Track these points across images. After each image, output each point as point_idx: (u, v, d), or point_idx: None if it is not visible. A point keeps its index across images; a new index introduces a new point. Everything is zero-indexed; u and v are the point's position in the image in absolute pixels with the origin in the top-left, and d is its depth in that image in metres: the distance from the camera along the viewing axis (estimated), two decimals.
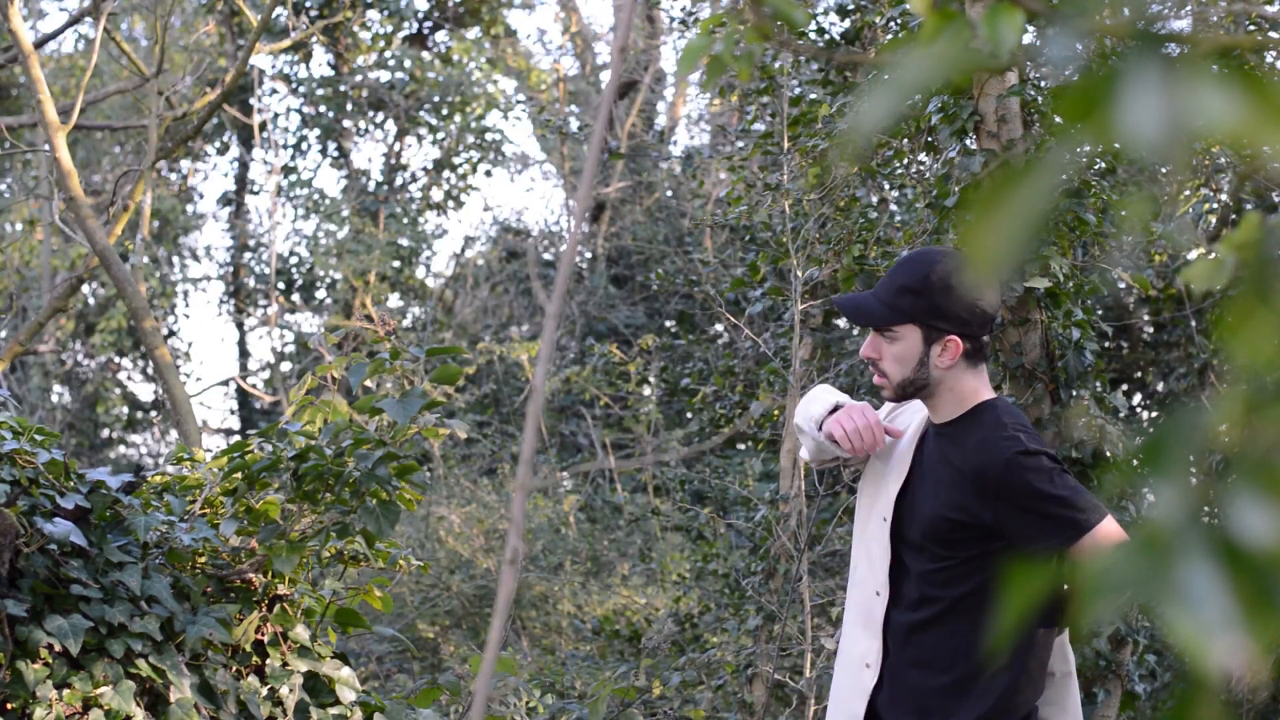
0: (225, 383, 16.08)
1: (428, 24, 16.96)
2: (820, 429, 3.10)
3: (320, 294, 16.34)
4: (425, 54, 16.73)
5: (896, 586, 3.00)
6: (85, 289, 16.06)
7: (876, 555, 3.03)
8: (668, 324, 13.68)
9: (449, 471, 11.99)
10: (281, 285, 16.23)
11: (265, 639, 4.09)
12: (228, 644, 3.96)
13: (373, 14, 16.33)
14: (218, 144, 17.36)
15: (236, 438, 17.04)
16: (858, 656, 3.02)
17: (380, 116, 16.56)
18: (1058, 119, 4.81)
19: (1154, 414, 9.29)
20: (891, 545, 3.01)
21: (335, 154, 16.64)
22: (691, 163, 11.68)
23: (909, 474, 3.03)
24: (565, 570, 10.49)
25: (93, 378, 16.73)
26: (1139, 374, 9.61)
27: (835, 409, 3.11)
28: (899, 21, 5.85)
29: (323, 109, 16.29)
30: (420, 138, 16.70)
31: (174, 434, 16.42)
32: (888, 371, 2.96)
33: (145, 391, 17.31)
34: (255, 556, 4.00)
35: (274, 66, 16.34)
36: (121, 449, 17.44)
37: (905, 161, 5.80)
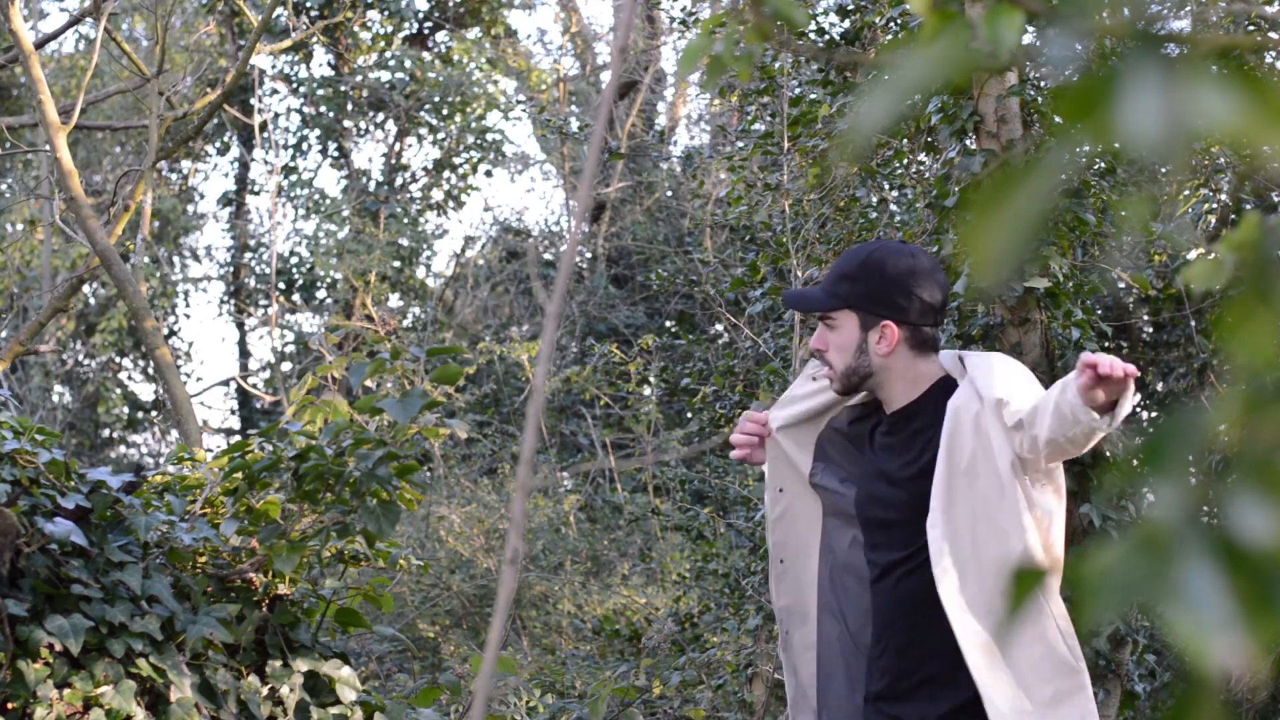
0: (226, 383, 16.09)
1: (428, 24, 16.95)
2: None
3: (320, 294, 16.34)
4: (425, 54, 16.72)
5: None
6: (86, 289, 16.06)
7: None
8: (668, 324, 13.67)
9: (449, 471, 11.98)
10: (282, 285, 16.22)
11: (265, 639, 4.09)
12: (228, 644, 3.96)
13: (373, 14, 16.33)
14: (218, 144, 17.35)
15: (237, 438, 17.03)
16: None
17: (380, 116, 16.55)
18: (1058, 119, 4.81)
19: (1154, 414, 9.28)
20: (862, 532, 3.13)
21: (335, 154, 16.63)
22: (691, 163, 11.68)
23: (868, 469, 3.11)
24: (565, 570, 10.49)
25: (93, 378, 16.72)
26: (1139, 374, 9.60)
27: None
28: (899, 21, 5.84)
29: (323, 109, 16.29)
30: (420, 138, 16.70)
31: (174, 434, 16.42)
32: (832, 361, 3.04)
33: (146, 391, 17.31)
34: (255, 556, 4.00)
35: (274, 66, 16.34)
36: (122, 449, 17.44)
37: (905, 161, 5.80)
